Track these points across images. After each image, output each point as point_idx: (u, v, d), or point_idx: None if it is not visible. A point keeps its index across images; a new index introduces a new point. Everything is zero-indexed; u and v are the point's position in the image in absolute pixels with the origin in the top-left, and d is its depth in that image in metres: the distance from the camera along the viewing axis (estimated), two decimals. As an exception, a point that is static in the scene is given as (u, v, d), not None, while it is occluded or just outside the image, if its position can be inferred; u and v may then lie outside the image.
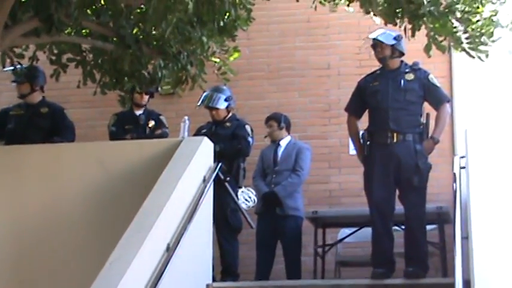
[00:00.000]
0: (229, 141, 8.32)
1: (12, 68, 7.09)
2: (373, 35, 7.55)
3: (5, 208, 7.31)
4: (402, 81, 7.43)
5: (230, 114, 8.59)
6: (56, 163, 7.41)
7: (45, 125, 8.12)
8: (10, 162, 7.40)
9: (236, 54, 7.21)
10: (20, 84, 8.17)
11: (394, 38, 7.46)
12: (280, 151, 8.60)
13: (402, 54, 7.53)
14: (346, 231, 8.93)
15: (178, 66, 6.78)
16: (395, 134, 7.30)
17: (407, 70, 7.48)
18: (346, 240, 8.88)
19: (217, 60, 7.15)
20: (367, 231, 8.74)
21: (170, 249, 5.75)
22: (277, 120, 8.66)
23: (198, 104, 8.52)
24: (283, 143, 8.64)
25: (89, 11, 6.69)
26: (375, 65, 9.73)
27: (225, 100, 8.48)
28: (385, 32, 7.53)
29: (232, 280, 7.91)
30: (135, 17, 6.79)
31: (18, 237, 7.26)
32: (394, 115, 7.34)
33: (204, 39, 6.74)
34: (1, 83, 9.31)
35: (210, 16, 6.62)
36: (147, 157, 7.25)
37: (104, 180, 7.26)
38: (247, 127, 8.49)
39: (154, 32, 6.69)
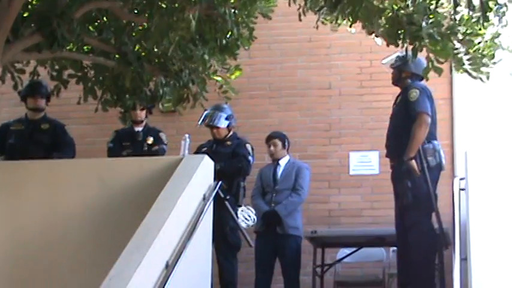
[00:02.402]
0: (229, 159, 8.32)
1: None
2: (384, 61, 7.73)
3: (4, 224, 7.28)
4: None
5: (231, 133, 8.59)
6: (56, 179, 7.38)
7: (45, 140, 8.11)
8: (10, 177, 7.38)
9: (238, 73, 7.22)
10: (37, 98, 8.18)
11: (400, 59, 7.54)
12: (279, 170, 8.61)
13: (416, 75, 7.52)
14: (346, 251, 8.93)
15: (179, 84, 6.79)
16: None
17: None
18: (345, 260, 8.88)
19: (219, 78, 7.15)
20: (366, 251, 8.77)
21: (169, 267, 5.72)
22: (282, 139, 8.67)
23: (199, 123, 8.52)
24: (283, 162, 8.65)
25: (91, 27, 6.71)
26: (376, 86, 9.83)
27: (226, 119, 8.48)
28: (397, 55, 7.61)
29: (231, 298, 7.90)
30: (137, 34, 6.80)
31: (17, 253, 7.23)
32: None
33: (206, 57, 6.74)
34: (2, 98, 9.31)
35: (212, 34, 6.64)
36: (147, 174, 7.23)
37: (104, 196, 7.24)
38: (248, 146, 8.49)
39: (156, 50, 6.70)
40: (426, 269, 7.12)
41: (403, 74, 7.61)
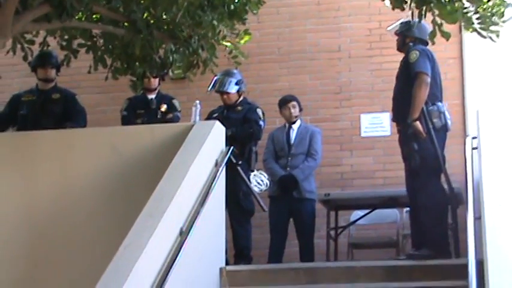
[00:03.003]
0: (240, 125, 8.33)
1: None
2: (389, 28, 7.78)
3: (17, 194, 7.33)
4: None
5: (241, 98, 8.59)
6: (68, 148, 7.42)
7: (57, 110, 8.12)
8: (22, 147, 7.42)
9: (247, 38, 7.19)
10: (47, 68, 8.19)
11: (402, 25, 7.58)
12: (293, 134, 8.61)
13: (419, 39, 7.50)
14: (359, 213, 8.95)
15: (189, 50, 6.76)
16: None
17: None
18: (358, 222, 8.91)
19: (228, 44, 7.13)
20: (380, 213, 8.80)
21: (183, 233, 5.75)
22: (298, 102, 8.67)
23: (209, 89, 8.52)
24: (295, 126, 8.65)
25: (99, -4, 6.69)
26: (386, 47, 9.78)
27: (236, 84, 8.48)
28: (401, 21, 7.64)
29: (246, 263, 7.92)
30: (146, 1, 6.77)
31: (31, 223, 7.28)
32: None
33: (215, 23, 6.72)
34: (13, 69, 9.32)
35: (221, 0, 6.61)
36: (159, 141, 7.26)
37: (116, 165, 7.27)
38: (259, 110, 8.49)
39: (165, 17, 6.67)
40: (438, 229, 7.13)
41: (407, 39, 7.59)
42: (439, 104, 7.35)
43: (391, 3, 6.64)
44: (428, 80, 7.19)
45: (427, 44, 7.45)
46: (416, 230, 7.33)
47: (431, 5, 6.19)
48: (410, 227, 7.61)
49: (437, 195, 7.18)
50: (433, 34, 6.60)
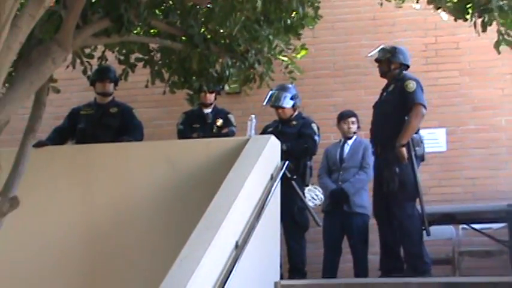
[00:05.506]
0: (295, 139, 8.32)
1: None
2: (370, 54, 7.98)
3: (75, 205, 7.42)
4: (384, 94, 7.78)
5: (296, 113, 8.60)
6: (125, 162, 7.50)
7: (114, 124, 8.20)
8: (81, 161, 7.51)
9: (304, 52, 7.19)
10: (106, 82, 8.30)
11: (389, 51, 7.83)
12: (346, 148, 8.59)
13: (403, 65, 7.80)
14: (413, 229, 8.86)
15: (245, 64, 6.79)
16: None
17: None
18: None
19: (285, 58, 7.14)
20: (435, 229, 8.69)
21: (239, 247, 5.76)
22: (357, 118, 8.69)
23: (264, 103, 8.55)
24: (350, 141, 8.64)
25: (157, 10, 6.74)
26: (442, 62, 9.74)
27: (291, 99, 8.49)
28: (383, 47, 7.91)
29: (300, 278, 7.92)
30: (202, 15, 6.81)
31: (88, 235, 7.36)
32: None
33: (271, 37, 6.74)
34: (72, 83, 9.44)
35: (277, 14, 6.62)
36: (214, 155, 7.29)
37: (172, 178, 7.32)
38: (314, 125, 8.48)
39: (221, 31, 6.71)
40: (417, 249, 7.40)
41: (392, 65, 7.81)
42: (420, 133, 7.66)
43: (452, 14, 6.59)
44: (425, 112, 7.54)
45: (408, 68, 7.82)
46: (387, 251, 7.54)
47: (496, 14, 6.13)
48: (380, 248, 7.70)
49: (414, 217, 7.44)
50: (498, 43, 6.55)
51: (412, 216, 7.41)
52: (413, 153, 7.42)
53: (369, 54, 8.03)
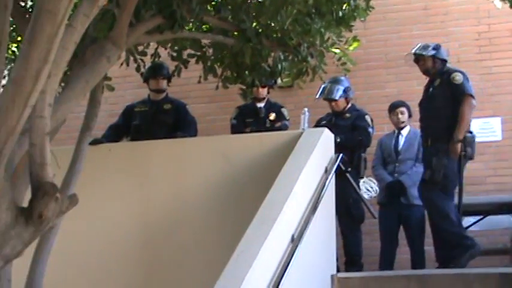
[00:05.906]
0: (349, 132, 8.31)
1: None
2: (413, 50, 7.89)
3: (132, 202, 7.50)
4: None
5: (349, 105, 8.58)
6: (180, 157, 7.55)
7: (168, 120, 8.28)
8: (136, 157, 7.59)
9: (356, 44, 7.16)
10: (159, 79, 8.37)
11: (433, 48, 7.74)
12: (401, 140, 8.56)
13: (444, 61, 7.75)
14: (471, 219, 8.79)
15: (298, 58, 6.79)
16: None
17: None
18: (470, 229, 8.74)
19: (337, 51, 7.12)
20: (492, 219, 8.64)
21: (295, 240, 5.76)
22: (408, 108, 8.66)
23: (317, 96, 8.54)
24: (404, 132, 8.61)
25: (209, 6, 6.76)
26: (495, 50, 9.62)
27: (344, 91, 8.48)
28: (424, 45, 7.86)
29: (357, 270, 7.90)
30: (253, 10, 6.82)
31: (145, 230, 7.44)
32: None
33: (322, 30, 6.72)
34: (125, 81, 9.53)
35: (329, 7, 6.61)
36: (268, 149, 7.31)
37: (227, 173, 7.36)
38: (367, 117, 8.46)
39: (273, 25, 6.71)
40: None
41: (437, 62, 7.77)
42: (473, 133, 7.62)
43: (506, 1, 6.52)
44: (475, 102, 7.52)
45: (446, 63, 7.81)
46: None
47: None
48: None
49: (447, 200, 7.43)
50: None
51: (446, 199, 7.40)
52: (462, 153, 7.39)
53: (412, 51, 7.94)
